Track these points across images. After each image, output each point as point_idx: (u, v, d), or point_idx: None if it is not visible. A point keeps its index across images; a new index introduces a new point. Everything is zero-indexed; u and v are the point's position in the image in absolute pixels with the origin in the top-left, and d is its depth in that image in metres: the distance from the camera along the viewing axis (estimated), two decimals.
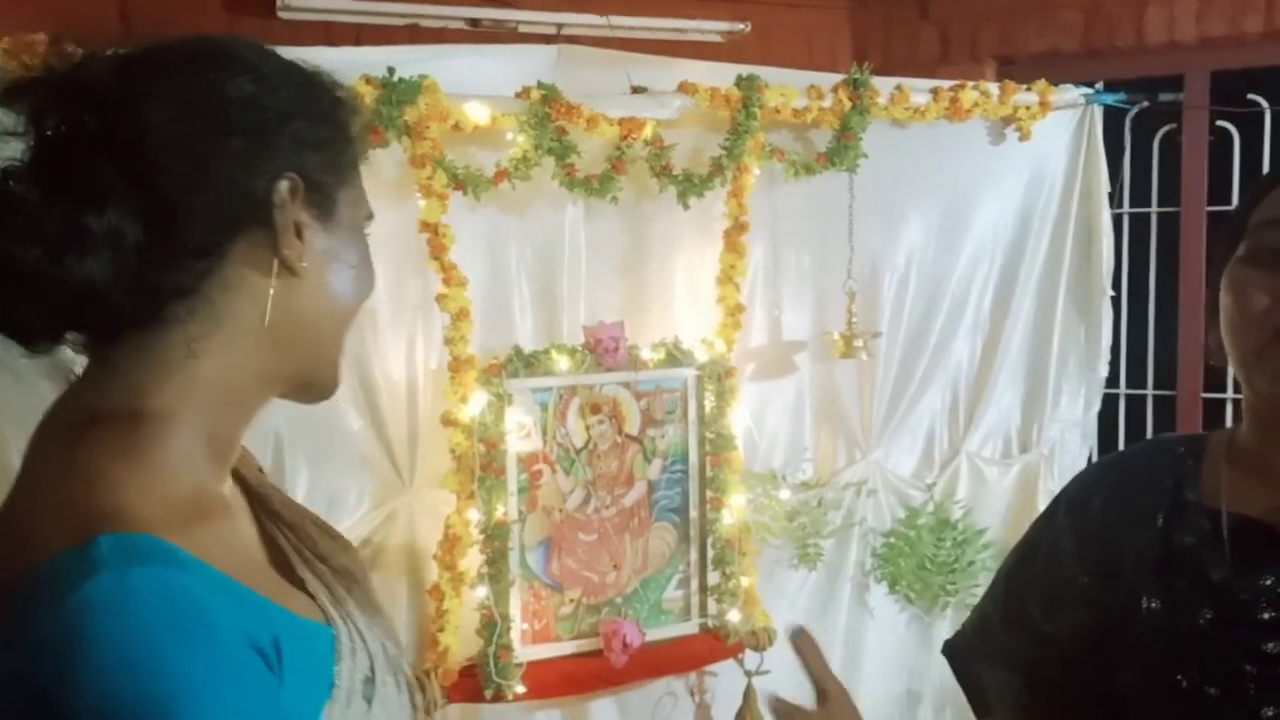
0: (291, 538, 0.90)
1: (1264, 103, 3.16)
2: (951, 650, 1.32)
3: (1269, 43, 3.06)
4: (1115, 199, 2.83)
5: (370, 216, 0.94)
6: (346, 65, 1.88)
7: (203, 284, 0.81)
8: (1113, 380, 2.97)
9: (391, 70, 1.92)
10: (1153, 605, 1.05)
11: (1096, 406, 2.84)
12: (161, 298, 0.80)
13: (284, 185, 0.82)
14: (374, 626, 0.88)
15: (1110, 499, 1.15)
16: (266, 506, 0.92)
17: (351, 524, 2.10)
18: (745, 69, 2.29)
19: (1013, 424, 2.80)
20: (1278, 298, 0.99)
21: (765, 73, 2.30)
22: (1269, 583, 0.99)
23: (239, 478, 0.92)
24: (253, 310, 0.83)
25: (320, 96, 0.88)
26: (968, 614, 1.34)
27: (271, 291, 0.83)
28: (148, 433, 0.78)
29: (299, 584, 0.85)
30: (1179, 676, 1.00)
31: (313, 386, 0.94)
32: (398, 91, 1.92)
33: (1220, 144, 3.12)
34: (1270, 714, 0.95)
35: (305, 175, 0.84)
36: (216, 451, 0.85)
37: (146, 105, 0.78)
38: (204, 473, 0.82)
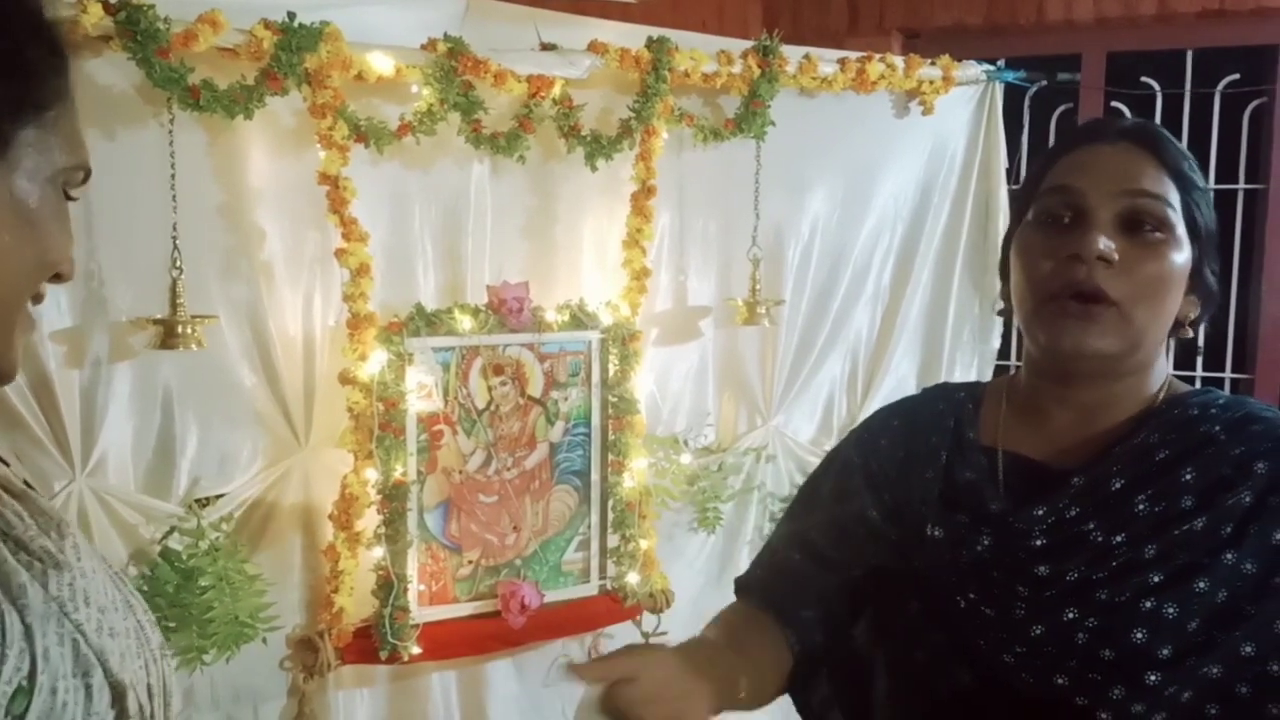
0: None
1: (1155, 85, 3.27)
2: (744, 586, 1.35)
3: (1161, 25, 3.17)
4: (1013, 175, 2.91)
5: (80, 169, 0.80)
6: (245, 9, 1.85)
7: None
8: (1004, 352, 3.05)
9: (292, 15, 1.86)
10: (936, 534, 1.13)
11: (989, 377, 2.92)
12: None
13: None
14: (66, 620, 0.75)
15: (898, 440, 1.24)
16: None
17: (244, 482, 2.05)
18: (656, 31, 2.28)
19: (909, 392, 2.84)
20: (1056, 259, 1.08)
21: (676, 36, 2.29)
22: (1040, 513, 1.08)
23: None
24: None
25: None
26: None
27: None
28: None
29: None
30: (958, 598, 1.09)
31: None
32: (298, 37, 1.85)
33: None
34: (1038, 631, 1.04)
35: None
36: None
37: None
38: None
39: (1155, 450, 1.07)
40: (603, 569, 2.38)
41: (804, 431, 2.76)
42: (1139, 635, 0.99)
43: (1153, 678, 0.99)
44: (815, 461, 2.71)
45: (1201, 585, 1.00)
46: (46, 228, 0.77)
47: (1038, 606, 1.04)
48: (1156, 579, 1.01)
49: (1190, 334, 1.14)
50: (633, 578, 2.37)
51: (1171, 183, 1.08)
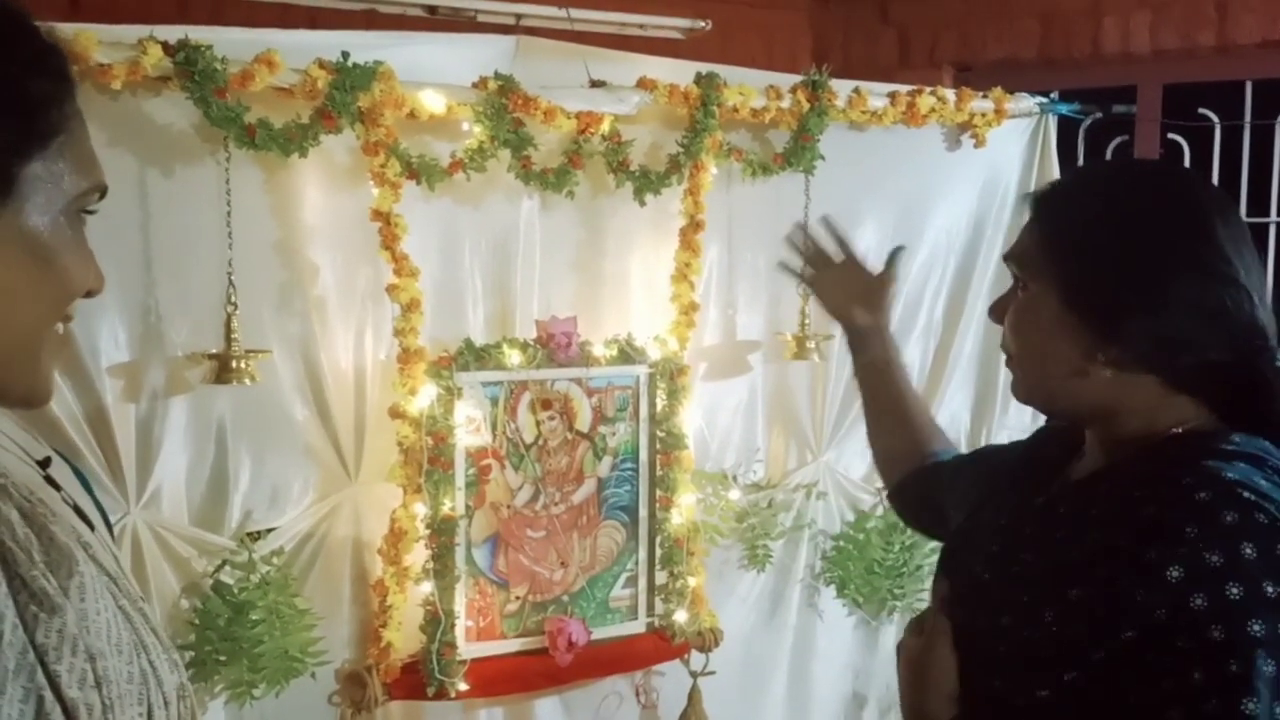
0: None
1: (1214, 117, 3.21)
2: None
3: (1220, 57, 3.11)
4: None
5: (95, 190, 0.79)
6: (300, 48, 1.88)
7: None
8: None
9: (346, 55, 1.88)
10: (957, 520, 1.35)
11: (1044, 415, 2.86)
12: None
13: None
14: (41, 672, 0.73)
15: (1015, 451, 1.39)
16: None
17: (295, 516, 2.06)
18: (705, 67, 2.28)
19: (962, 428, 2.82)
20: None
21: (725, 71, 2.29)
22: (1003, 522, 1.19)
23: None
24: None
25: None
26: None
27: None
28: None
29: None
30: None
31: (5, 394, 0.80)
32: (352, 77, 1.88)
33: (1170, 157, 3.16)
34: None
35: None
36: None
37: None
38: None
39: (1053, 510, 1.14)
40: (650, 606, 2.36)
41: (856, 468, 2.72)
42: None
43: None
44: (867, 499, 2.70)
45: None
46: (63, 260, 0.77)
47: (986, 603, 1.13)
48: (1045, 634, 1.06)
49: (1175, 375, 1.08)
50: (681, 615, 2.34)
51: (1040, 240, 1.14)
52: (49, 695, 0.74)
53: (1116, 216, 1.09)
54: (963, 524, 1.32)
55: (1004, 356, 1.22)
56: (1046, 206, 1.15)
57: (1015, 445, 1.42)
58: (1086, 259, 1.09)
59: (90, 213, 0.80)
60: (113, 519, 1.83)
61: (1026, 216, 1.17)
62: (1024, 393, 1.20)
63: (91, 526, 0.93)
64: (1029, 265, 1.14)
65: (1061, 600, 1.02)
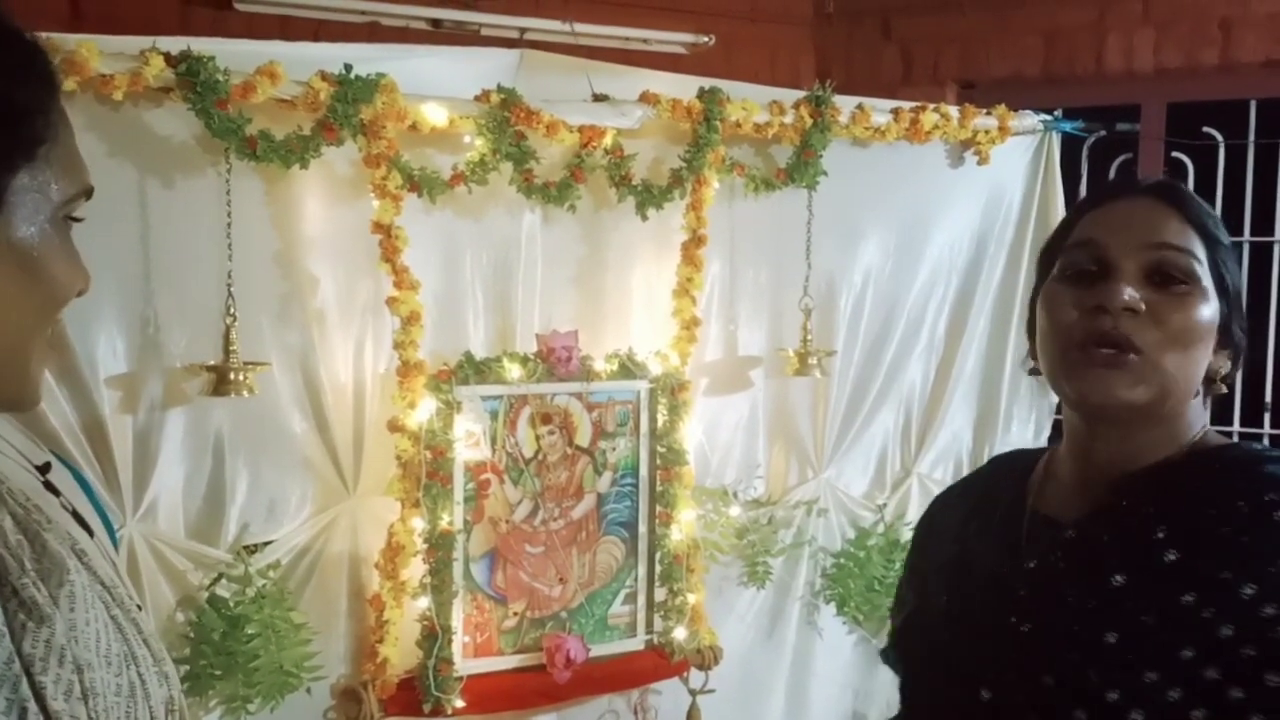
0: None
1: (1218, 135, 3.21)
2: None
3: (1224, 76, 3.11)
4: None
5: (82, 194, 0.78)
6: (303, 61, 1.88)
7: None
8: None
9: (349, 67, 1.88)
10: (940, 601, 1.16)
11: (1047, 431, 2.85)
12: None
13: None
14: (26, 683, 0.72)
15: (951, 510, 1.27)
16: None
17: (292, 529, 2.05)
18: (708, 81, 2.28)
19: (964, 446, 2.80)
20: (1082, 310, 1.06)
21: (728, 86, 2.29)
22: (1032, 565, 1.08)
23: None
24: None
25: None
26: None
27: None
28: None
29: None
30: (960, 673, 1.09)
31: None
32: (354, 89, 1.87)
33: (1174, 175, 3.16)
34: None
35: None
36: None
37: None
38: None
39: (1149, 519, 1.03)
40: (649, 623, 2.34)
41: (856, 485, 2.71)
42: (1079, 716, 0.98)
43: None
44: (868, 516, 2.69)
45: (1151, 677, 0.96)
46: (53, 269, 0.76)
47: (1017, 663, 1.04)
48: (1108, 663, 0.98)
49: (1225, 390, 1.12)
50: (680, 633, 2.32)
51: (1197, 237, 1.07)
52: (33, 707, 0.72)
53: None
54: (921, 601, 1.21)
55: (1108, 352, 1.04)
56: (1191, 203, 1.11)
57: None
58: (1235, 268, 1.10)
59: (77, 219, 0.79)
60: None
61: (1147, 201, 1.10)
62: (1152, 392, 1.04)
63: (90, 532, 0.92)
64: (1187, 267, 1.06)
65: (1126, 625, 0.98)
